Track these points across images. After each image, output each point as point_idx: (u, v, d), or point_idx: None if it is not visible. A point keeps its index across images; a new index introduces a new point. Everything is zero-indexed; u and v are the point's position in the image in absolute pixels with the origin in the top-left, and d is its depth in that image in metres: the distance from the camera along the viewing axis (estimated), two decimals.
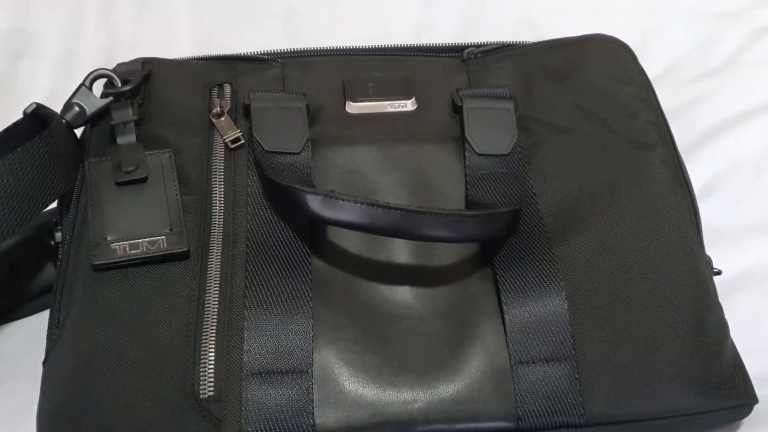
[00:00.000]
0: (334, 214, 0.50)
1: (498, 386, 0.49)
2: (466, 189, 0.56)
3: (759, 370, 0.53)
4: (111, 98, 0.57)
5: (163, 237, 0.52)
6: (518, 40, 0.66)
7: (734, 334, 0.54)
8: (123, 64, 0.61)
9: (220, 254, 0.52)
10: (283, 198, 0.53)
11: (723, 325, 0.53)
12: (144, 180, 0.54)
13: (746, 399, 0.51)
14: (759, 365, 0.54)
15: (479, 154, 0.57)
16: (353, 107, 0.60)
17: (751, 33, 0.76)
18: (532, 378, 0.49)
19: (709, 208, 0.61)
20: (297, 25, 0.80)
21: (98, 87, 0.58)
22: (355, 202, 0.50)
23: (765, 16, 0.77)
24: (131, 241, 0.52)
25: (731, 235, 0.63)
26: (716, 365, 0.51)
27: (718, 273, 0.56)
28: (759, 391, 0.52)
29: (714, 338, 0.52)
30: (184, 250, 0.52)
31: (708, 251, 0.56)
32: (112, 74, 0.58)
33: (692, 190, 0.58)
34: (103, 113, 0.57)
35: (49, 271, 0.58)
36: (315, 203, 0.51)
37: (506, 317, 0.51)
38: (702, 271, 0.54)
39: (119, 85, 0.58)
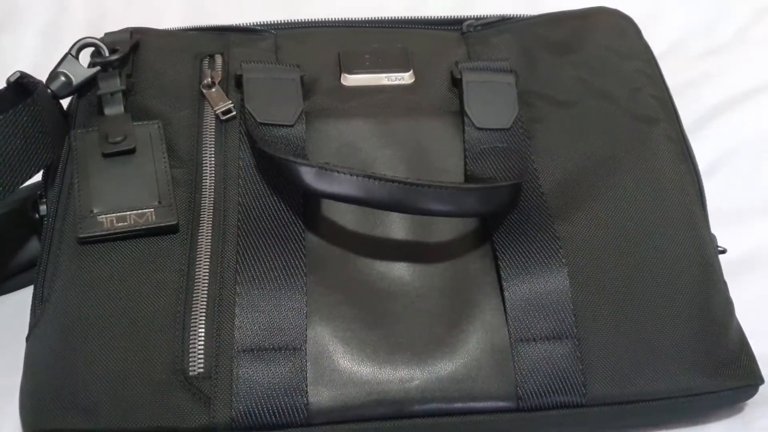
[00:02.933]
0: (329, 187, 0.49)
1: (497, 365, 0.48)
2: (465, 164, 0.54)
3: (766, 352, 0.52)
4: (98, 68, 0.55)
5: (152, 210, 0.50)
6: (519, 14, 0.64)
7: (740, 316, 0.52)
8: (111, 33, 0.59)
9: (210, 228, 0.51)
10: (276, 171, 0.51)
11: (728, 304, 0.52)
12: (132, 151, 0.52)
13: (752, 379, 0.50)
14: (766, 347, 0.52)
15: (479, 128, 0.55)
16: (349, 79, 0.58)
17: (757, 11, 0.74)
18: (533, 356, 0.48)
19: (715, 188, 0.59)
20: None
21: (85, 58, 0.56)
22: (351, 174, 0.48)
23: None
24: (118, 214, 0.50)
25: (737, 214, 0.61)
26: (721, 344, 0.50)
27: (723, 252, 0.55)
28: (765, 373, 0.51)
29: (719, 317, 0.51)
30: (173, 223, 0.50)
31: (713, 231, 0.55)
32: (100, 43, 0.56)
33: (697, 166, 0.56)
34: (90, 84, 0.56)
35: (33, 246, 0.56)
36: (309, 176, 0.49)
37: (506, 294, 0.49)
38: (707, 249, 0.52)
39: (107, 54, 0.56)
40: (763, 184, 0.64)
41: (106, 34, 0.59)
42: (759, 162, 0.65)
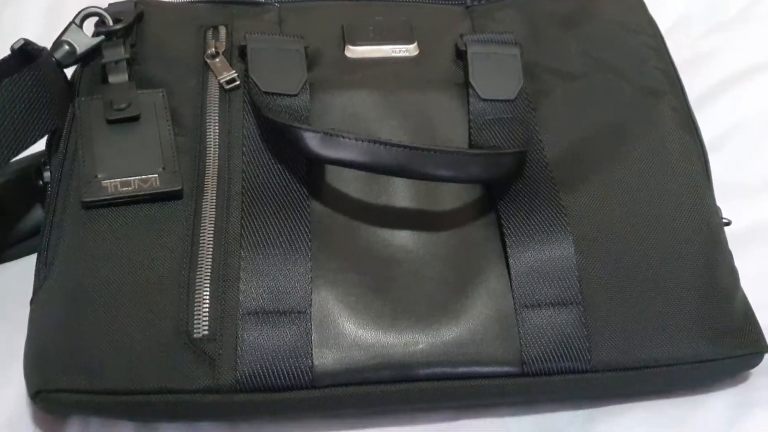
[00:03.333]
0: (334, 152, 0.49)
1: (502, 330, 0.48)
2: (470, 134, 0.54)
3: None
4: (102, 37, 0.55)
5: (156, 176, 0.50)
6: None
7: (745, 287, 0.52)
8: (115, 3, 0.59)
9: (215, 194, 0.50)
10: (280, 138, 0.51)
11: (733, 273, 0.52)
12: (136, 118, 0.52)
13: (757, 347, 0.50)
14: None
15: (484, 99, 0.55)
16: (353, 51, 0.58)
17: None
18: (538, 322, 0.48)
19: (720, 163, 0.59)
20: None
21: (89, 28, 0.56)
22: (356, 140, 0.48)
23: None
24: (123, 179, 0.50)
25: (742, 189, 0.61)
26: (727, 312, 0.50)
27: (728, 223, 0.54)
28: None
29: (724, 285, 0.51)
30: (177, 188, 0.50)
31: (719, 205, 0.55)
32: (104, 12, 0.56)
33: (702, 137, 0.56)
34: (94, 53, 0.56)
35: (37, 213, 0.55)
36: (314, 141, 0.49)
37: (511, 261, 0.49)
38: (712, 218, 0.52)
39: (111, 23, 0.56)
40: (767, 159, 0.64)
41: (110, 5, 0.59)
42: (765, 138, 0.65)
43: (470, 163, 0.49)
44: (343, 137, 0.48)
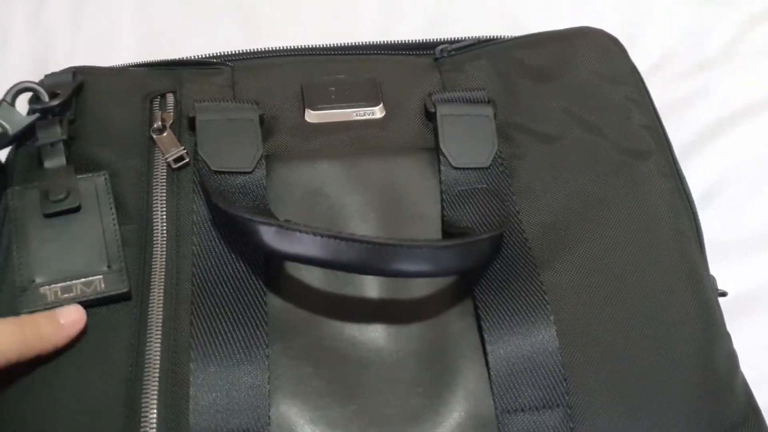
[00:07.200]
0: (290, 247, 0.44)
1: None
2: (442, 208, 0.50)
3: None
4: (37, 115, 0.51)
5: (100, 277, 0.46)
6: (494, 35, 0.60)
7: (741, 362, 0.48)
8: (52, 75, 0.54)
9: (162, 296, 0.46)
10: (233, 227, 0.47)
11: (732, 357, 0.48)
12: (77, 209, 0.48)
13: None
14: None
15: (456, 168, 0.51)
16: (313, 116, 0.53)
17: (746, 20, 0.70)
18: (522, 428, 0.44)
19: (709, 218, 0.55)
20: (250, 23, 0.72)
21: (23, 105, 0.52)
22: (314, 234, 0.43)
23: (760, 2, 0.70)
24: (63, 284, 0.45)
25: (734, 248, 0.57)
26: (727, 405, 0.46)
27: (724, 294, 0.51)
28: None
29: (723, 373, 0.47)
30: (124, 291, 0.46)
31: (710, 267, 0.51)
32: (38, 87, 0.52)
33: (692, 201, 0.52)
34: (30, 133, 0.51)
35: None
36: (269, 235, 0.44)
37: (490, 359, 0.45)
38: (707, 296, 0.48)
39: (46, 99, 0.51)
40: (762, 214, 0.59)
41: (46, 76, 0.54)
42: (757, 188, 0.61)
43: (442, 256, 0.45)
44: (300, 231, 0.44)
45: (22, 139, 0.51)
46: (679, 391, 0.45)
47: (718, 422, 0.45)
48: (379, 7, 0.73)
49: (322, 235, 0.43)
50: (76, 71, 0.54)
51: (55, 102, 0.51)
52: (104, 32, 0.70)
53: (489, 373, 0.45)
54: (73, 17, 0.71)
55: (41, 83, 0.52)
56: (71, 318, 0.44)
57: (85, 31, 0.71)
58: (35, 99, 0.52)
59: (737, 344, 0.49)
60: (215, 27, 0.69)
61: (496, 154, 0.51)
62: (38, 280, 0.45)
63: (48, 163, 0.49)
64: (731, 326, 0.49)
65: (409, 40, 0.59)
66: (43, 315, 0.44)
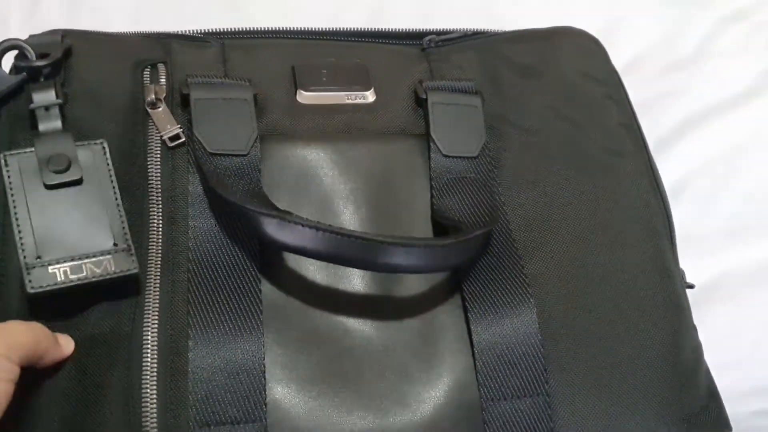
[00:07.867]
0: (291, 239, 0.44)
1: (468, 426, 0.45)
2: (432, 195, 0.51)
3: (733, 386, 0.51)
4: (24, 74, 0.49)
5: (109, 257, 0.44)
6: (480, 28, 0.61)
7: (706, 347, 0.51)
8: (37, 35, 0.52)
9: (158, 284, 0.45)
10: (230, 213, 0.47)
11: (697, 349, 0.51)
12: (79, 182, 0.46)
13: (719, 428, 0.50)
14: (733, 381, 0.52)
15: (446, 156, 0.52)
16: (305, 97, 0.53)
17: (719, 21, 0.73)
18: (504, 414, 0.46)
19: (679, 211, 0.58)
20: (241, 7, 0.72)
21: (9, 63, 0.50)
22: (317, 230, 0.43)
23: (734, 4, 0.74)
24: (72, 263, 0.43)
25: (702, 239, 0.60)
26: (691, 393, 0.49)
27: (691, 287, 0.54)
28: (734, 408, 0.50)
29: (688, 364, 0.50)
30: (134, 272, 0.44)
31: (679, 258, 0.54)
32: (25, 45, 0.49)
33: (666, 199, 0.55)
34: (15, 93, 0.49)
35: None
36: (270, 227, 0.44)
37: (476, 349, 0.47)
38: (677, 290, 0.51)
39: (33, 58, 0.49)
40: (729, 207, 0.63)
41: (31, 36, 0.52)
42: (724, 183, 0.64)
43: (439, 254, 0.46)
44: (303, 225, 0.44)
45: (6, 99, 0.49)
46: (649, 379, 0.48)
47: (683, 407, 0.48)
48: (366, 3, 0.73)
49: (324, 230, 0.43)
50: (64, 33, 0.52)
51: (45, 62, 0.49)
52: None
53: (475, 364, 0.46)
54: (69, 16, 0.70)
55: (27, 41, 0.50)
56: (64, 341, 0.43)
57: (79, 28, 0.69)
58: (22, 56, 0.49)
59: (702, 332, 0.52)
60: (210, 26, 0.68)
61: (484, 144, 0.53)
62: (45, 258, 0.43)
63: (43, 127, 0.47)
64: (697, 315, 0.52)
65: (397, 29, 0.60)
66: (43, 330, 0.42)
